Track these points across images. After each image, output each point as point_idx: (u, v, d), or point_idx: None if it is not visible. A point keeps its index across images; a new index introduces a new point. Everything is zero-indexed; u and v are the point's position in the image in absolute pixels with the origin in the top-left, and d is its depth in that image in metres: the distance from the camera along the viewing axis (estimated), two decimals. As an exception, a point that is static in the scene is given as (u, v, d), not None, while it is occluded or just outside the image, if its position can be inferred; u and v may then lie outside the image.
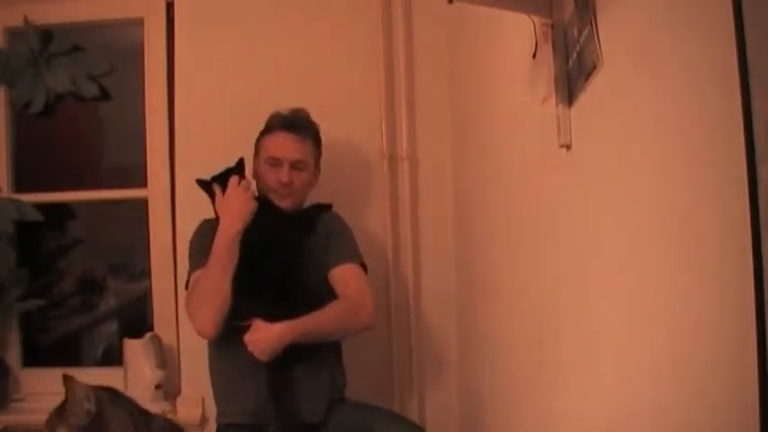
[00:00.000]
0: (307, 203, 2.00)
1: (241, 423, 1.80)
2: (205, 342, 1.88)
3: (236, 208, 1.78)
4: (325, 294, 1.84)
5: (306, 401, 1.80)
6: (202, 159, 2.16)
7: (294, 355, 1.73)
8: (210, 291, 1.74)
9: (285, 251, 1.83)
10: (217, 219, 1.85)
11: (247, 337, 1.70)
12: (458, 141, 2.22)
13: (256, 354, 1.69)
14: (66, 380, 1.40)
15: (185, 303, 1.84)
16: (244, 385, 1.81)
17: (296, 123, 1.93)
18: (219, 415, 1.88)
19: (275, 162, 1.90)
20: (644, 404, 0.76)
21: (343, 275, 1.87)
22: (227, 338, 1.77)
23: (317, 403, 1.82)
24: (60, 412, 1.36)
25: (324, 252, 1.90)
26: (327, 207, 1.99)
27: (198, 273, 1.79)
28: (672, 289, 0.69)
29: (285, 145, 1.90)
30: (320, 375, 1.84)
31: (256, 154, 1.97)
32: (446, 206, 2.30)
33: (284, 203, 1.89)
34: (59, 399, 1.41)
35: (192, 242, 1.94)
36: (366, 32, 2.32)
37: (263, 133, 1.97)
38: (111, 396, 1.43)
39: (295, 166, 1.89)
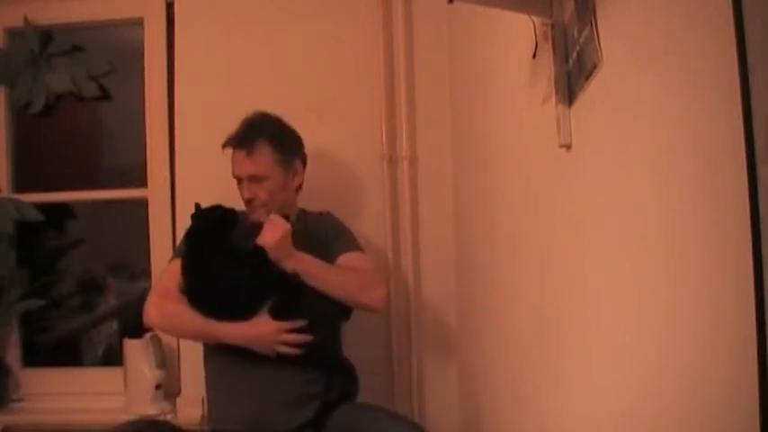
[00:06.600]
0: (303, 204, 2.00)
1: (230, 430, 1.78)
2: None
3: (259, 336, 1.75)
4: (329, 308, 1.82)
5: (288, 407, 1.78)
6: (202, 159, 2.16)
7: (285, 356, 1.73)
8: (181, 323, 1.80)
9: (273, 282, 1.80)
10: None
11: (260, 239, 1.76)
12: (458, 141, 2.22)
13: (268, 244, 1.74)
14: None
15: (153, 286, 1.85)
16: (234, 393, 1.80)
17: (241, 138, 1.90)
18: (208, 420, 1.88)
19: (238, 180, 1.91)
20: (644, 404, 0.76)
21: (349, 260, 1.89)
22: (220, 346, 1.79)
23: (296, 409, 1.79)
24: None
25: (327, 254, 1.89)
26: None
27: (183, 309, 1.76)
28: (672, 288, 0.69)
29: (237, 163, 1.90)
30: (311, 380, 1.82)
31: None
32: (446, 206, 2.30)
33: (257, 215, 1.88)
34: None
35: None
36: (366, 32, 2.32)
37: None
38: None
39: (253, 180, 1.88)
